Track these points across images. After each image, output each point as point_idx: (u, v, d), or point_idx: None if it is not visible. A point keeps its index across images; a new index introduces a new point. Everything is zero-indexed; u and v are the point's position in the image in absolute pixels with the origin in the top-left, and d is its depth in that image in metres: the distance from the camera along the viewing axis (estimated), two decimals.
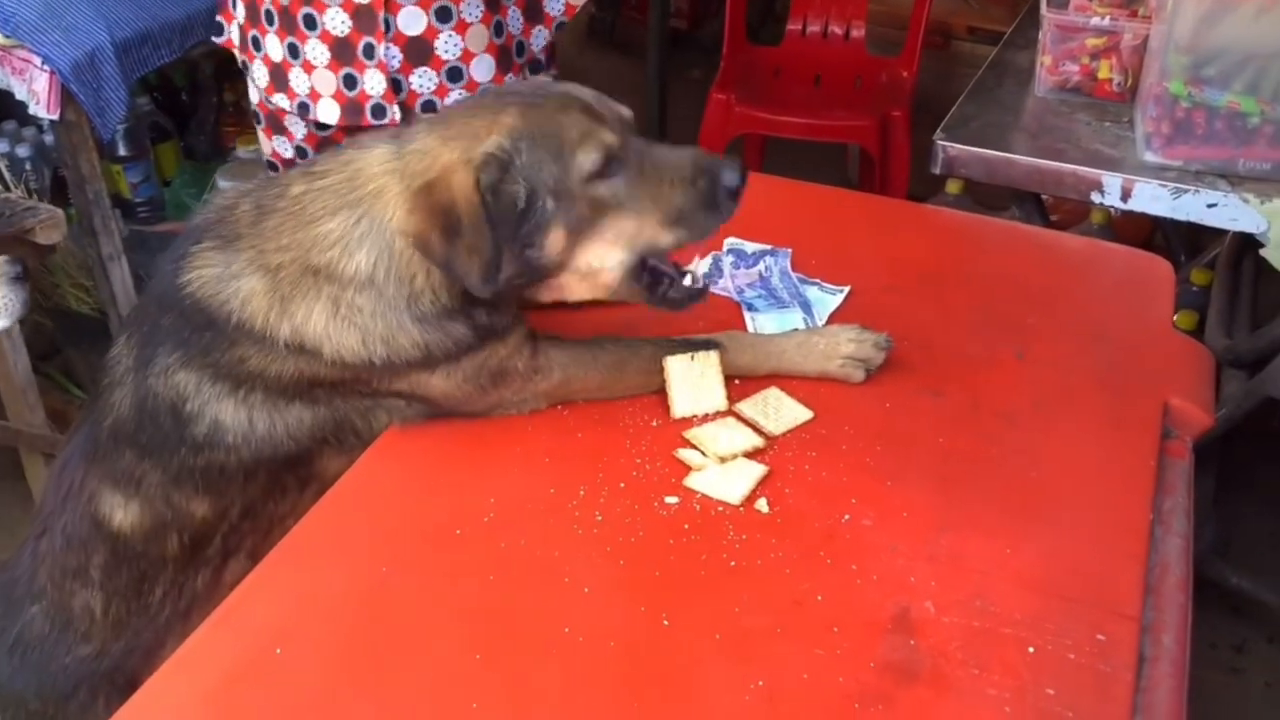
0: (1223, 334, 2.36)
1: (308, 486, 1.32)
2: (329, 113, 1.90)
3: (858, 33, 3.48)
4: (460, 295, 1.26)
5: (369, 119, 1.87)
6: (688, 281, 1.34)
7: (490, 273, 1.20)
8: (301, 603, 1.12)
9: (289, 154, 2.02)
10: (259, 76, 1.95)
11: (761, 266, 1.59)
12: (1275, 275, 1.88)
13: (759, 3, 4.45)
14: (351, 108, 1.89)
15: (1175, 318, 2.37)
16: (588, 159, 1.22)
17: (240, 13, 1.95)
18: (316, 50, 1.86)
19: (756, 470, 1.24)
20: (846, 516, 1.19)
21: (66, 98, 2.21)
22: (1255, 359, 2.17)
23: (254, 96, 2.01)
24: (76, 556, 1.35)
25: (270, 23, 1.89)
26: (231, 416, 1.27)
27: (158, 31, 2.35)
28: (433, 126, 1.27)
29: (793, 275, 1.58)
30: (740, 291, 1.55)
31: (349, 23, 1.82)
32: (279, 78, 1.91)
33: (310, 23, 1.84)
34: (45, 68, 2.17)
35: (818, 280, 1.57)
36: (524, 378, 1.32)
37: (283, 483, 1.32)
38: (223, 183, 2.90)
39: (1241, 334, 2.37)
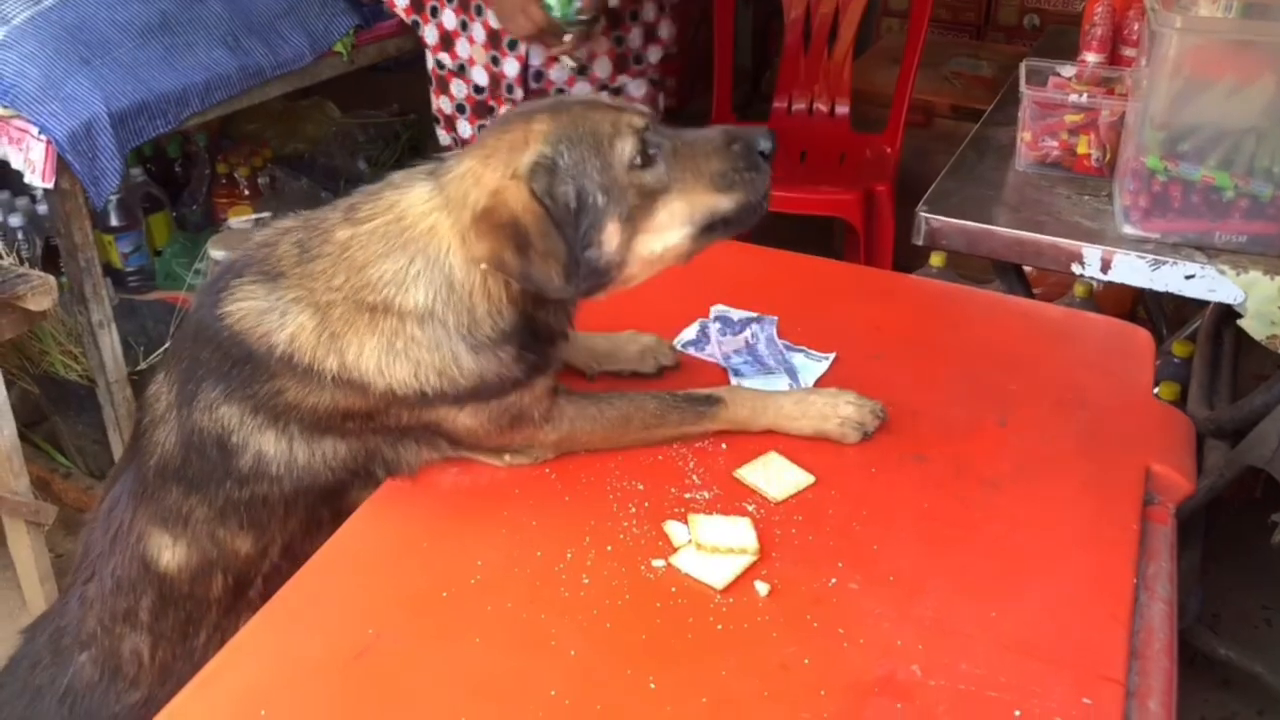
0: (1205, 405, 2.38)
1: (340, 522, 1.33)
2: (480, 77, 2.47)
3: (842, 110, 3.55)
4: (519, 317, 1.29)
5: (504, 95, 2.46)
6: None
7: (570, 271, 1.23)
8: (287, 664, 1.11)
9: (450, 110, 2.57)
10: (429, 36, 2.52)
11: (748, 333, 1.61)
12: (1255, 346, 1.91)
13: (745, 81, 4.53)
14: (494, 81, 2.46)
15: (1158, 390, 2.40)
16: (626, 146, 1.26)
17: None
18: (477, 30, 2.41)
19: (743, 560, 1.22)
20: (833, 581, 1.19)
21: (61, 167, 2.23)
22: (1236, 429, 2.18)
23: (429, 62, 2.57)
24: (126, 599, 1.36)
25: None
26: (274, 447, 1.29)
27: (154, 103, 2.38)
28: (466, 153, 1.30)
29: (779, 342, 1.59)
30: (727, 358, 1.57)
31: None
32: (447, 41, 2.48)
33: (479, 10, 2.39)
34: (42, 137, 2.20)
35: (803, 347, 1.59)
36: (536, 426, 1.34)
37: (319, 516, 1.34)
38: (214, 252, 2.91)
39: (1223, 404, 2.39)
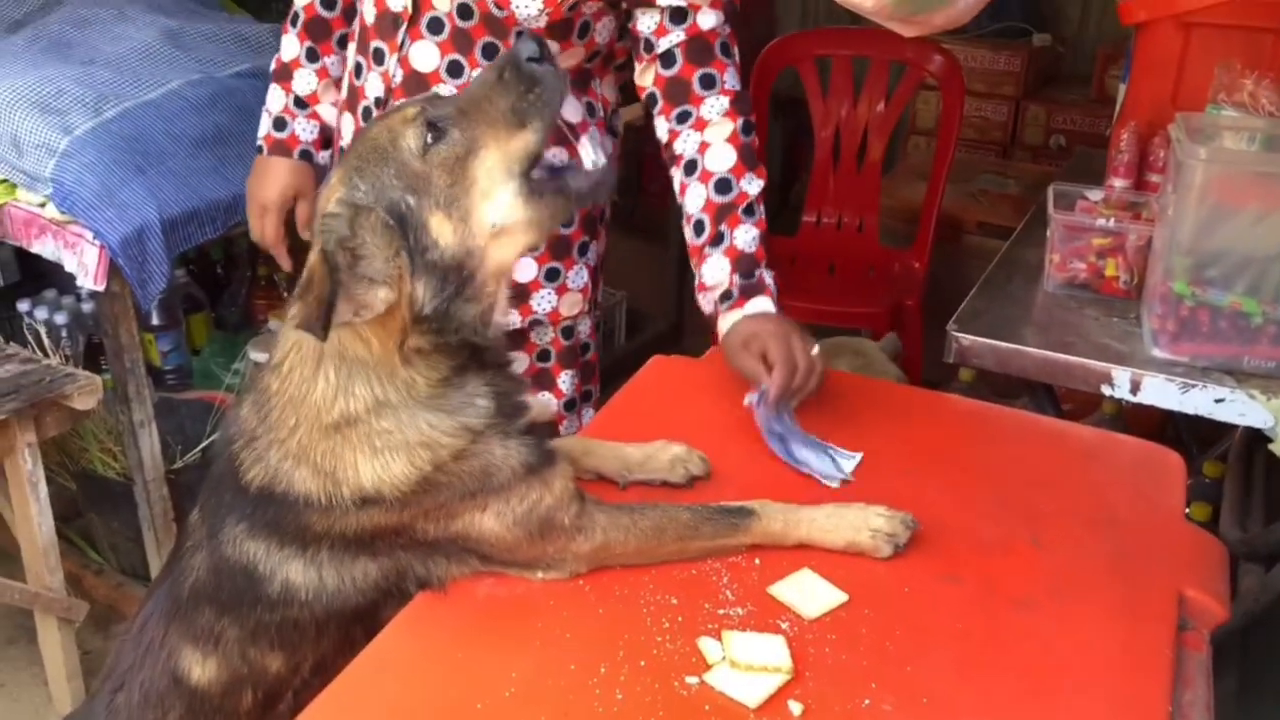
0: (1237, 526, 2.37)
1: (373, 639, 1.33)
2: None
3: (870, 224, 3.62)
4: (445, 354, 1.29)
5: None
6: (587, 164, 1.36)
7: (324, 307, 1.16)
8: None
9: None
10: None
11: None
12: None
13: (775, 194, 4.62)
14: None
15: (1189, 510, 2.39)
16: (409, 136, 1.24)
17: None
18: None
19: (776, 678, 1.21)
20: (867, 702, 1.19)
21: (113, 270, 2.30)
22: (1270, 552, 2.17)
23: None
24: (154, 712, 1.37)
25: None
26: (302, 575, 1.31)
27: (204, 210, 2.46)
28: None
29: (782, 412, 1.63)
30: (769, 429, 1.61)
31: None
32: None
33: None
34: (96, 242, 2.27)
35: (832, 446, 1.62)
36: (568, 535, 1.34)
37: (352, 636, 1.34)
38: (254, 354, 2.98)
39: (1256, 527, 2.38)
